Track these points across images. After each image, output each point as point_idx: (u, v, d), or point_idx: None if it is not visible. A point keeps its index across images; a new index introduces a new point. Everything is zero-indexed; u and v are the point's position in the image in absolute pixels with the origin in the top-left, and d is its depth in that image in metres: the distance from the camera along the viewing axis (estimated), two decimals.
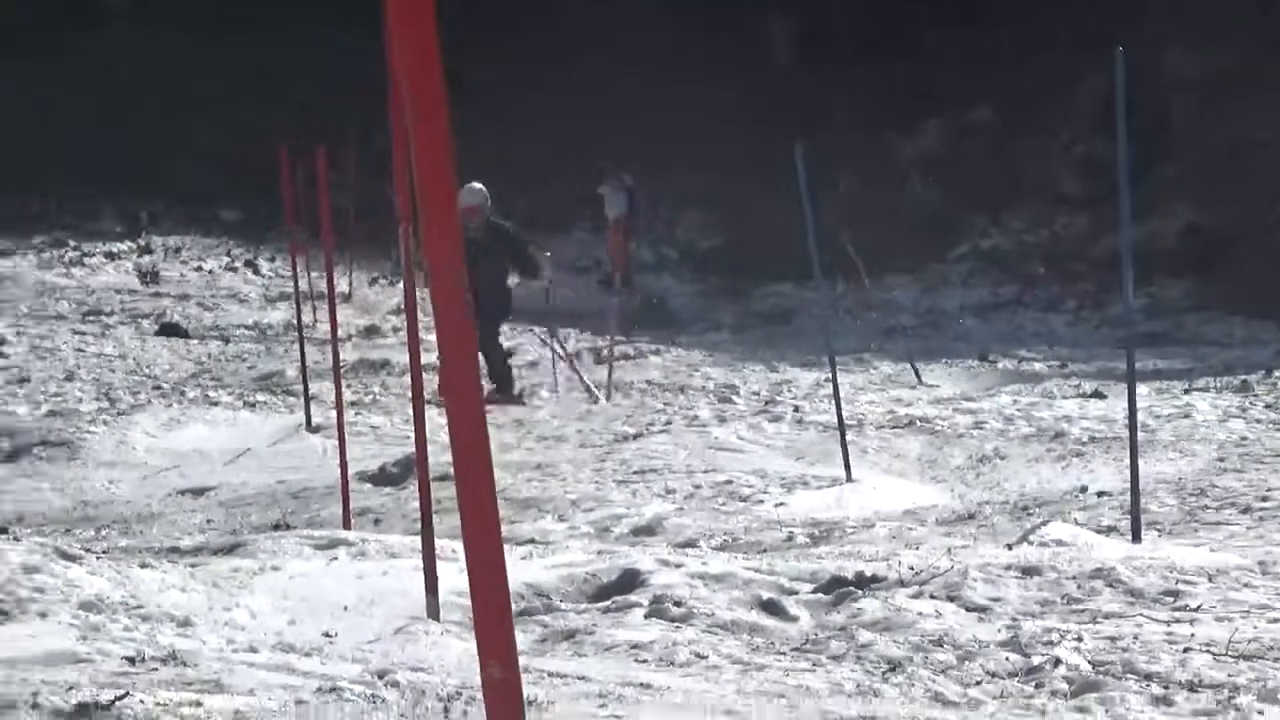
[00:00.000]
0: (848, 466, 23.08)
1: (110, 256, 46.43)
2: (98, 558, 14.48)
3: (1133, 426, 18.21)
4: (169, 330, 37.83)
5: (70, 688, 10.30)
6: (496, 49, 53.58)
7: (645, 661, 12.18)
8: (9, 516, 20.83)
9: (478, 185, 28.29)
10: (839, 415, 23.51)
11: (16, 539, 16.15)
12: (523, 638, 12.40)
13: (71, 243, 48.02)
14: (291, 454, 26.23)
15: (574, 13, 57.52)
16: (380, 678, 10.76)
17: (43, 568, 13.50)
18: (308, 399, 27.70)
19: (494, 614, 5.45)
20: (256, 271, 46.48)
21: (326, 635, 12.41)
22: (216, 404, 29.86)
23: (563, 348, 34.01)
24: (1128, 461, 17.85)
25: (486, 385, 27.36)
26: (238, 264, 47.50)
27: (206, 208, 51.52)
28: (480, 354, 24.12)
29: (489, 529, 5.41)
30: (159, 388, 32.07)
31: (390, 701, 10.32)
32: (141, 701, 10.01)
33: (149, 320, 39.75)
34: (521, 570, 14.61)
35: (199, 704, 10.06)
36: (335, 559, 15.06)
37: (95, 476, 24.36)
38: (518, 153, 51.27)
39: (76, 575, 13.43)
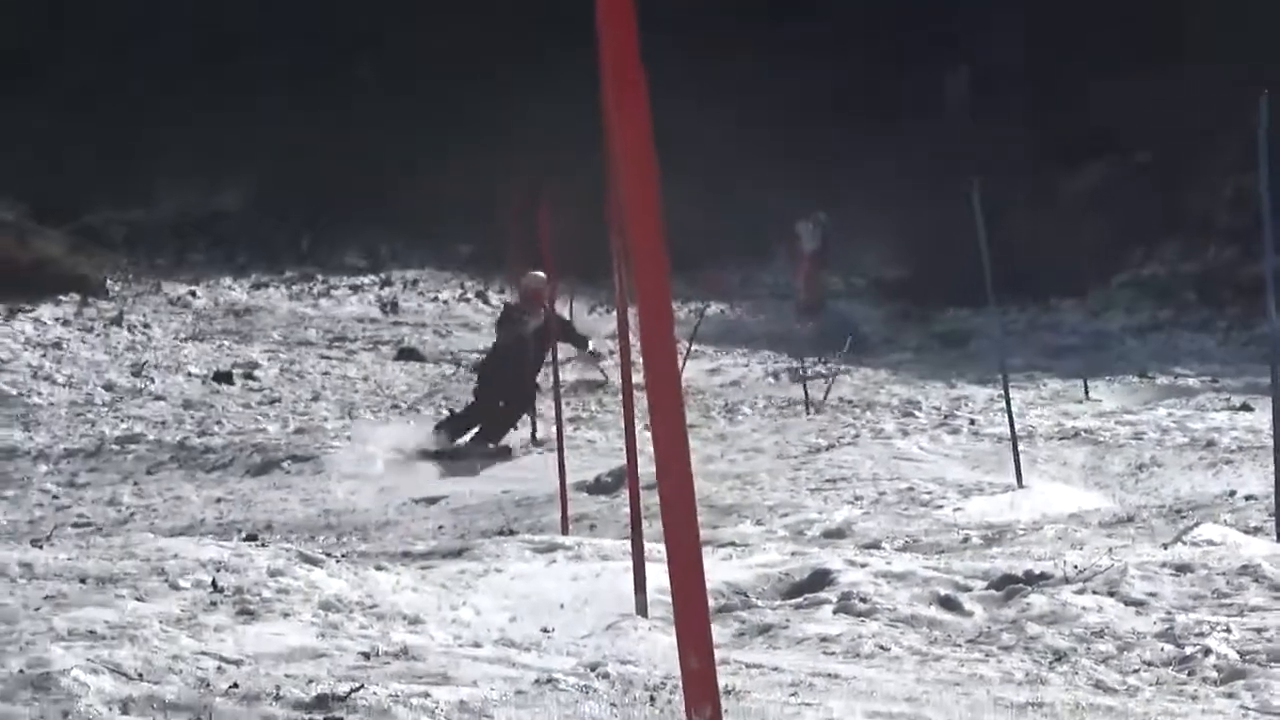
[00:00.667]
0: (1019, 474, 23.63)
1: (354, 289, 47.32)
2: (337, 561, 14.80)
3: (1278, 435, 18.22)
4: (406, 354, 39.01)
5: (310, 681, 10.46)
6: (699, 94, 50.34)
7: (833, 653, 12.19)
8: (259, 524, 21.47)
9: (541, 274, 26.48)
10: (1011, 427, 24.17)
11: (264, 545, 16.51)
12: (721, 631, 12.60)
13: (319, 276, 48.63)
14: (516, 466, 26.91)
15: (772, 64, 56.36)
16: (592, 670, 10.77)
17: (287, 571, 13.82)
18: (534, 416, 28.50)
19: (693, 610, 5.40)
20: (486, 301, 47.09)
21: (544, 631, 12.57)
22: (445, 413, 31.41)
23: None
24: (1273, 468, 18.02)
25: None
26: (470, 295, 48.11)
27: (444, 243, 51.75)
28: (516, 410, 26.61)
29: (689, 533, 5.34)
30: (396, 406, 32.65)
31: (601, 691, 10.34)
32: (375, 693, 10.15)
33: (388, 346, 40.62)
34: (722, 570, 14.76)
35: (427, 695, 10.19)
36: (553, 561, 15.26)
37: (337, 488, 25.14)
38: (717, 190, 50.88)
39: (317, 577, 13.73)
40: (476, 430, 28.45)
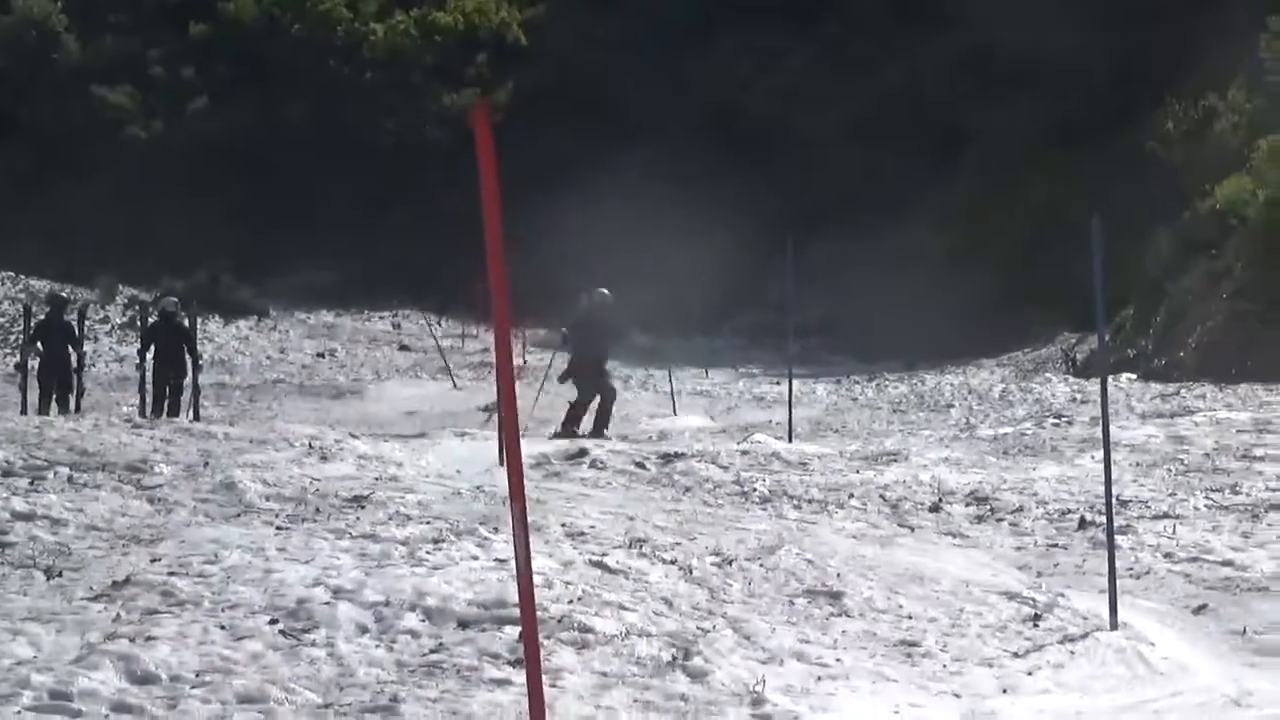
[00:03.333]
0: (675, 409, 26.45)
1: (380, 317, 51.54)
2: (366, 438, 17.49)
3: (790, 394, 20.85)
4: (403, 348, 44.57)
5: (351, 489, 13.06)
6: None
7: (586, 485, 14.80)
8: (332, 420, 24.40)
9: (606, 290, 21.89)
10: (671, 389, 27.64)
11: (333, 428, 19.25)
12: (533, 474, 14.72)
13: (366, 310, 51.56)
14: (450, 398, 31.55)
15: None
16: (479, 489, 13.24)
17: (343, 440, 16.60)
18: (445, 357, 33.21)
19: (514, 463, 5.43)
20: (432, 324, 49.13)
21: (458, 471, 14.99)
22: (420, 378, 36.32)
23: None
24: (788, 410, 20.68)
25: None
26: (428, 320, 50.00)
27: (422, 285, 51.27)
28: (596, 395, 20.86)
29: (513, 428, 5.47)
30: (399, 371, 39.32)
31: (482, 498, 12.87)
32: (380, 495, 12.62)
33: (395, 344, 45.53)
34: (538, 446, 17.02)
35: (404, 496, 12.65)
36: (465, 441, 17.73)
37: (368, 406, 29.68)
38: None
39: (356, 444, 16.46)
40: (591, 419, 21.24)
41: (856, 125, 50.17)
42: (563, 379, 21.57)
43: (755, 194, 49.20)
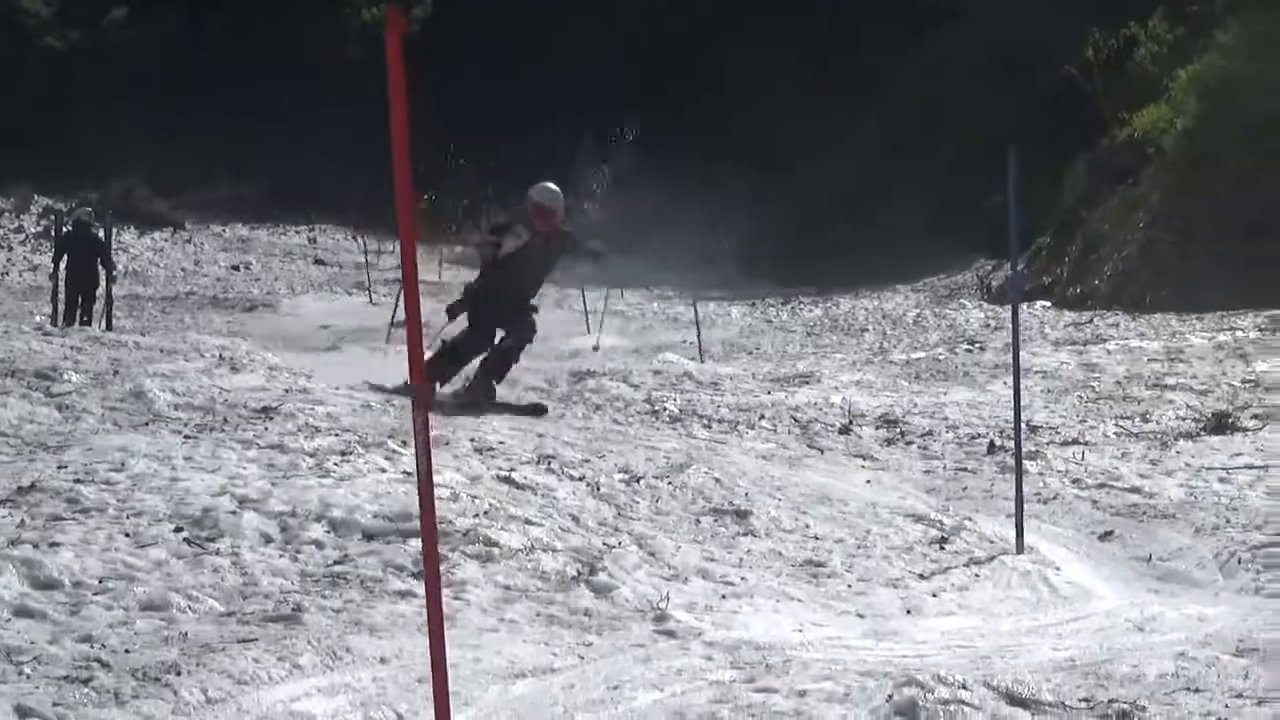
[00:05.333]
0: (591, 330, 26.39)
1: (295, 231, 52.15)
2: (278, 351, 17.67)
3: (696, 317, 21.16)
4: (319, 262, 45.93)
5: (260, 400, 13.03)
6: None
7: (504, 399, 14.61)
8: (246, 334, 23.73)
9: (554, 186, 14.71)
10: (584, 306, 26.90)
11: (244, 340, 19.08)
12: (446, 390, 14.75)
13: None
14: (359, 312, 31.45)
15: None
16: (390, 401, 13.26)
17: (253, 352, 16.63)
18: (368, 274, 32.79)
19: (418, 373, 5.17)
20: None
21: (366, 382, 14.69)
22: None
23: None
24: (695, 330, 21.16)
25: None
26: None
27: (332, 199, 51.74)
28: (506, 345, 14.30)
29: (418, 339, 5.03)
30: (314, 286, 38.98)
31: (392, 410, 12.84)
32: (289, 407, 12.60)
33: (310, 259, 46.48)
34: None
35: (313, 409, 12.58)
36: (375, 355, 18.23)
37: (282, 320, 29.81)
38: None
39: (267, 356, 16.52)
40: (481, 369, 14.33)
41: (782, 59, 50.19)
42: (452, 312, 14.76)
43: (675, 125, 49.96)
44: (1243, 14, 35.85)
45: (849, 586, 8.90)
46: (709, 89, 52.74)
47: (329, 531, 8.68)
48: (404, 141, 5.06)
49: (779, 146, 48.50)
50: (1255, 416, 14.90)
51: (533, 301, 14.53)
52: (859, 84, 49.95)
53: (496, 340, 13.56)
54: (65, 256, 24.00)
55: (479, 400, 12.67)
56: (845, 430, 14.45)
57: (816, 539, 9.89)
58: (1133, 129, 37.22)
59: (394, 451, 10.63)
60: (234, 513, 8.77)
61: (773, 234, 44.70)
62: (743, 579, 8.79)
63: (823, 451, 13.51)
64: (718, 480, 11.15)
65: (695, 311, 21.22)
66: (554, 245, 14.48)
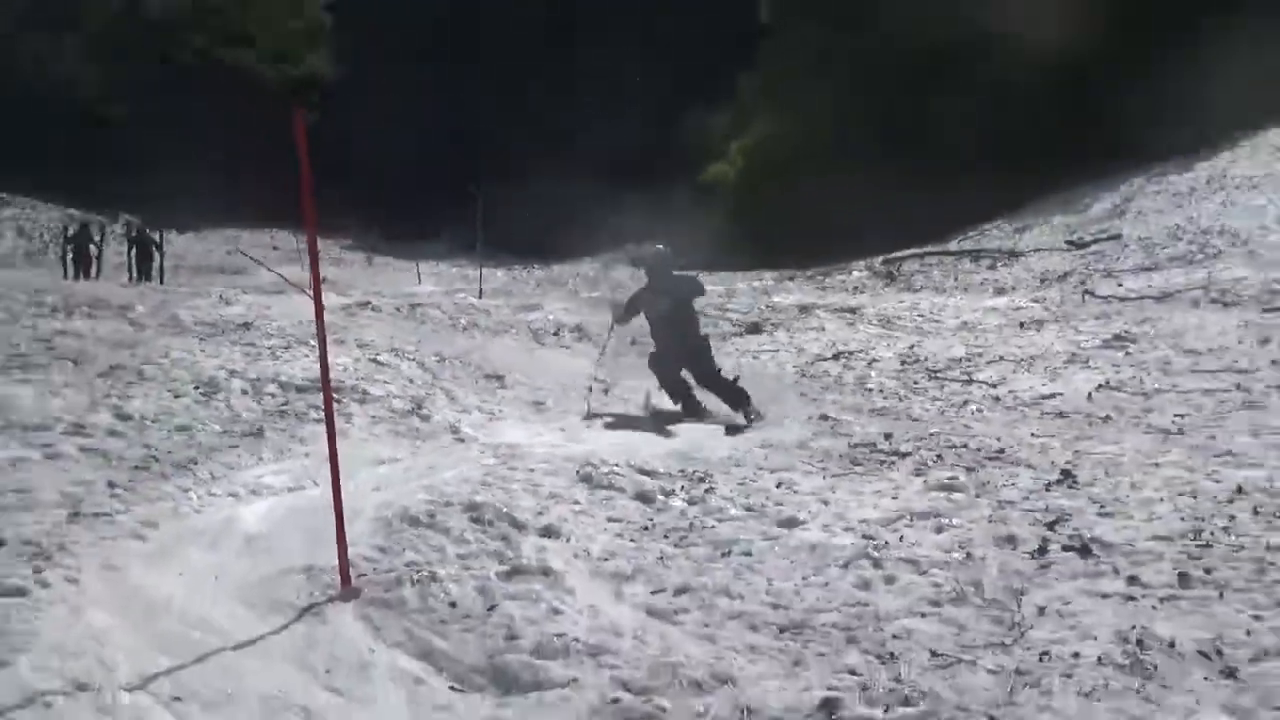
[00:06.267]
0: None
1: None
2: (271, 339, 15.59)
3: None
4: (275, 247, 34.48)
5: (241, 319, 11.67)
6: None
7: (369, 319, 13.34)
8: (235, 288, 19.18)
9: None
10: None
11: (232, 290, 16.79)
12: (342, 314, 13.39)
13: None
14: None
15: None
16: (299, 321, 13.22)
17: (239, 295, 15.39)
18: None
19: (319, 308, 3.86)
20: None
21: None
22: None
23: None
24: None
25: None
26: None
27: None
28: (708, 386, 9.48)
29: (321, 332, 4.20)
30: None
31: (309, 324, 12.44)
32: (258, 323, 11.36)
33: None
34: (339, 300, 15.33)
35: (271, 325, 11.24)
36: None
37: (259, 281, 23.17)
38: None
39: (246, 297, 15.19)
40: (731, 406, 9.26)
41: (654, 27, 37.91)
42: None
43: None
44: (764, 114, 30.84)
45: (558, 414, 8.81)
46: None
47: (279, 388, 8.40)
48: (310, 189, 4.57)
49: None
50: (771, 324, 14.10)
51: (702, 334, 9.74)
52: None
53: (683, 374, 9.35)
54: (134, 247, 24.14)
55: (759, 414, 8.66)
56: (556, 333, 13.82)
57: (540, 389, 9.76)
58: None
59: (314, 346, 10.00)
60: (227, 379, 8.52)
61: (520, 213, 33.02)
62: (500, 411, 8.73)
63: (543, 344, 12.96)
64: (488, 359, 10.91)
65: (480, 271, 20.42)
66: (679, 289, 9.66)
